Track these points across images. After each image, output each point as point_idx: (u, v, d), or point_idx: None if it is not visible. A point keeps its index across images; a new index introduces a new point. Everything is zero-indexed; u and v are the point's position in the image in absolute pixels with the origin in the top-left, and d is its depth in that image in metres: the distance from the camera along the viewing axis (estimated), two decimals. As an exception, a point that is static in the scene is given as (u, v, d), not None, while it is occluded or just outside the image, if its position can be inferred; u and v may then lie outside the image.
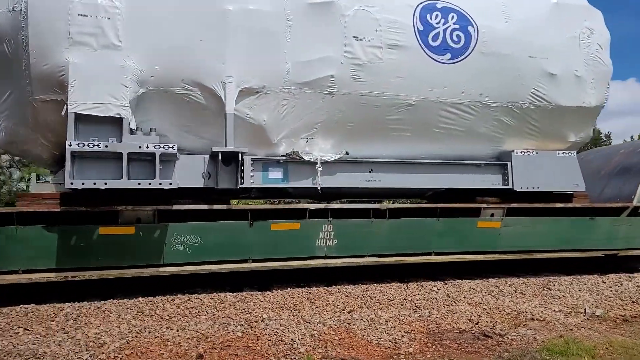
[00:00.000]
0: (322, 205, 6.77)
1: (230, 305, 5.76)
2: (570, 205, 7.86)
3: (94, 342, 4.40)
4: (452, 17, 7.11)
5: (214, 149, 6.03)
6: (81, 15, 5.66)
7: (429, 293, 6.53)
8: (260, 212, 6.56)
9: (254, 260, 6.60)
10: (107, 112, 5.61)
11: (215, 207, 6.32)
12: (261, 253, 6.58)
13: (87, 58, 5.66)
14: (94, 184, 5.47)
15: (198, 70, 6.03)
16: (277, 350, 4.28)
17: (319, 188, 6.64)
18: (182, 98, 6.09)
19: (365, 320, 5.15)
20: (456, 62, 7.08)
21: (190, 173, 6.20)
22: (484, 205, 7.51)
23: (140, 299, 5.93)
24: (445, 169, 7.37)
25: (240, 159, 6.22)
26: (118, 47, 5.77)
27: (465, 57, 7.12)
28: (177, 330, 4.73)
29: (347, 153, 6.81)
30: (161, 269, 6.34)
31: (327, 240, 6.83)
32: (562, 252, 8.17)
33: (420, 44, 6.90)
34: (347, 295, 6.29)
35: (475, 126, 7.38)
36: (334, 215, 6.81)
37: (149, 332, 4.68)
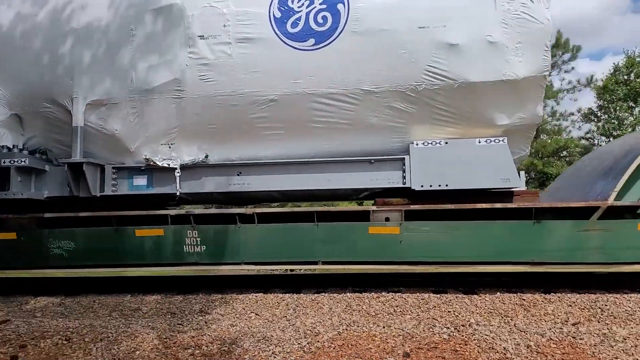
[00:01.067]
0: (183, 211, 6.67)
1: (435, 306, 5.71)
2: (497, 205, 6.16)
3: (310, 330, 4.87)
4: None
5: (61, 161, 6.48)
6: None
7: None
8: (125, 218, 6.76)
9: (123, 266, 6.84)
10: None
11: (81, 214, 6.75)
12: (130, 259, 6.78)
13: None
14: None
15: (52, 89, 6.57)
16: (487, 358, 4.19)
17: (178, 193, 6.56)
18: (46, 116, 6.70)
19: (595, 335, 4.64)
20: (322, 47, 6.19)
21: (58, 184, 6.75)
22: (373, 208, 6.42)
23: (348, 294, 6.26)
24: (327, 167, 6.52)
25: (99, 168, 6.57)
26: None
27: (333, 40, 6.18)
28: (383, 327, 4.93)
29: (206, 156, 6.59)
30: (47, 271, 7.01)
31: (196, 247, 6.68)
32: (497, 266, 6.39)
33: (276, 33, 6.26)
34: (570, 305, 5.69)
35: (362, 117, 6.34)
36: (199, 221, 6.65)
37: (358, 326, 4.99)
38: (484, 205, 6.17)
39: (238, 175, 6.62)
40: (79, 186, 6.53)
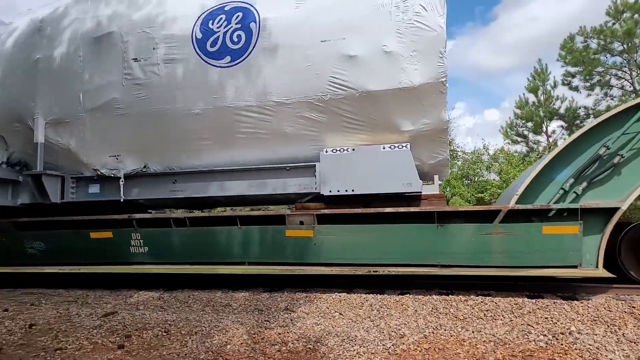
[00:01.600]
0: (126, 216, 7.45)
1: (530, 312, 5.37)
2: (400, 209, 6.33)
3: (395, 332, 4.77)
4: (237, 17, 6.86)
5: (24, 173, 7.53)
6: None
7: None
8: (81, 223, 7.67)
9: (82, 264, 7.78)
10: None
11: (50, 218, 7.76)
12: (86, 258, 7.68)
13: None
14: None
15: (20, 111, 7.64)
16: (590, 369, 3.90)
17: (122, 200, 7.39)
18: (19, 134, 7.79)
19: None
20: (237, 63, 6.77)
21: (31, 193, 7.81)
22: (288, 212, 6.82)
23: (434, 296, 6.11)
24: (249, 174, 7.04)
25: (60, 178, 7.57)
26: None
27: (247, 56, 6.73)
28: (473, 332, 4.72)
29: (145, 166, 7.34)
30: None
31: (140, 248, 7.45)
32: (405, 267, 6.52)
33: (197, 53, 6.90)
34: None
35: (278, 127, 6.80)
36: (142, 225, 7.41)
37: (445, 330, 4.81)
38: (388, 210, 6.38)
39: (174, 183, 7.32)
40: (42, 194, 7.53)
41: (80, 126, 7.44)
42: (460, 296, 5.98)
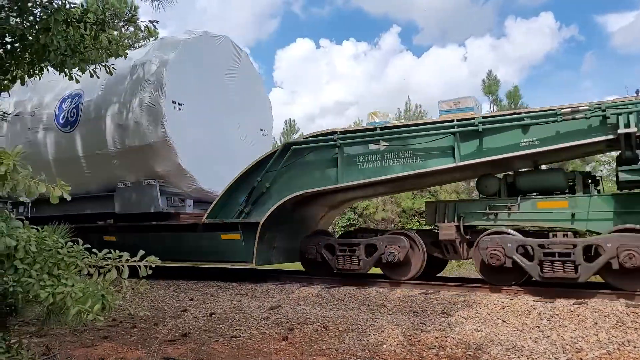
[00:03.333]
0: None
1: None
2: (162, 223, 9.30)
3: (570, 345, 4.41)
4: (76, 98, 9.99)
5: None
6: None
7: None
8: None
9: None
10: None
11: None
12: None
13: None
14: None
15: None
16: None
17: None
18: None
19: None
20: (72, 130, 9.90)
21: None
22: (101, 223, 10.60)
23: (619, 307, 5.36)
24: (86, 200, 10.00)
25: None
26: None
27: (77, 126, 9.87)
28: None
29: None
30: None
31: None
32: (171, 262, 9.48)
33: (55, 123, 10.19)
34: None
35: (101, 169, 9.69)
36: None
37: (634, 347, 4.33)
38: (154, 223, 9.34)
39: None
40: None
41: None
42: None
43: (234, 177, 8.47)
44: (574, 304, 5.65)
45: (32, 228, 2.57)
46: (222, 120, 9.86)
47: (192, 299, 7.22)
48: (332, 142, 7.76)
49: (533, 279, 6.50)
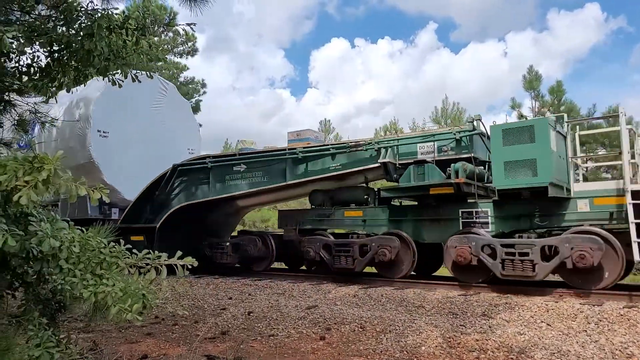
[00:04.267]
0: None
1: None
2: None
3: (620, 350, 4.29)
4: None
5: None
6: None
7: None
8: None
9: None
10: None
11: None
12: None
13: None
14: None
15: None
16: None
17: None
18: None
19: None
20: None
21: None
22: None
23: None
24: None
25: None
26: None
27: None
28: None
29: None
30: None
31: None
32: None
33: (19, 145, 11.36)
34: None
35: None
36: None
37: None
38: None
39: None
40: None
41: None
42: None
43: (140, 191, 10.67)
44: (624, 307, 5.47)
45: (77, 229, 2.66)
46: (149, 143, 12.01)
47: (230, 298, 7.35)
48: (205, 165, 10.15)
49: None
